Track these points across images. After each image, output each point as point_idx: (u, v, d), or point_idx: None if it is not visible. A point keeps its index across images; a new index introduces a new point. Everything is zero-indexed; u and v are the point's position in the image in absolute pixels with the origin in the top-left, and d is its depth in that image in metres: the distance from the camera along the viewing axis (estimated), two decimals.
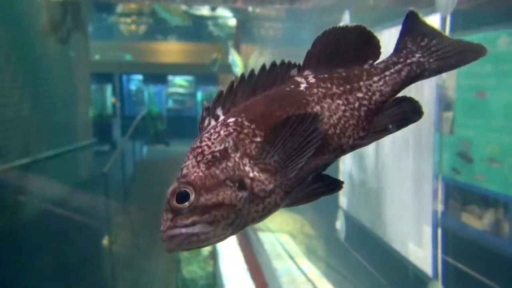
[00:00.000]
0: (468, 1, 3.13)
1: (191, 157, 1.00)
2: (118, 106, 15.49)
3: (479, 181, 3.21)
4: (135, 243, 7.70)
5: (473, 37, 2.98)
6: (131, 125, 10.66)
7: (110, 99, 15.40)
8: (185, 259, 6.59)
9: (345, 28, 1.12)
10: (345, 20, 4.63)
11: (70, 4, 8.70)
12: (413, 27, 1.15)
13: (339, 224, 5.52)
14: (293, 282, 5.88)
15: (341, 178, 4.84)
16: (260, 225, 7.53)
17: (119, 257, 7.40)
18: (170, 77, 18.12)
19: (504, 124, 3.01)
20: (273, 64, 1.10)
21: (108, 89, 15.42)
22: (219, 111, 1.06)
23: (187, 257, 6.56)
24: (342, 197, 5.54)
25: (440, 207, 3.38)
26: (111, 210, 7.59)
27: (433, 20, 3.05)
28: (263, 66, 1.08)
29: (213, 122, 1.06)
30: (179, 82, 18.30)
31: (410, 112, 1.09)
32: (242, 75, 1.08)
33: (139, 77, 18.09)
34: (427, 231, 3.42)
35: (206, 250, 6.48)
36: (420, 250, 3.56)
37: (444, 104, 3.40)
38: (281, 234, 7.69)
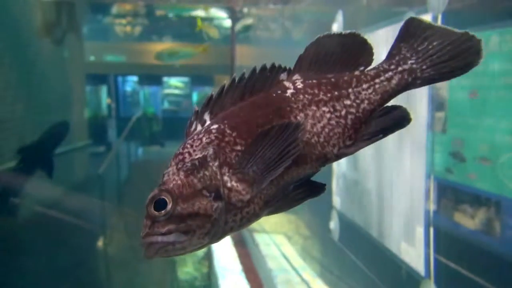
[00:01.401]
0: (460, 1, 3.14)
1: (173, 163, 1.01)
2: (113, 107, 15.45)
3: (472, 181, 3.22)
4: (130, 245, 7.68)
5: None
6: (126, 126, 10.64)
7: (105, 100, 15.35)
8: (180, 260, 6.60)
9: (339, 34, 1.10)
10: (339, 20, 4.64)
11: (65, 5, 8.68)
12: (412, 33, 1.10)
13: (333, 224, 5.53)
14: (288, 283, 5.87)
15: (334, 178, 4.82)
16: (255, 226, 7.53)
17: (114, 258, 7.38)
18: (165, 78, 18.11)
19: (495, 123, 3.03)
20: (264, 68, 1.08)
21: (103, 90, 15.38)
22: (206, 116, 1.06)
23: (182, 258, 6.56)
24: (336, 197, 5.55)
25: (432, 207, 3.39)
26: (106, 212, 7.58)
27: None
28: (254, 69, 1.07)
29: (199, 127, 1.05)
30: (175, 83, 18.28)
31: (399, 121, 1.08)
32: (233, 79, 1.07)
33: (135, 78, 18.06)
34: (420, 230, 3.43)
35: (201, 251, 6.48)
36: (412, 249, 3.57)
37: (437, 103, 3.41)
38: (276, 235, 7.69)
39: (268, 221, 7.88)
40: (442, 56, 1.07)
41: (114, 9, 11.60)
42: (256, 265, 5.64)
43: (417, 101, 3.31)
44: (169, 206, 0.95)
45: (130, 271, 7.01)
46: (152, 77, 17.20)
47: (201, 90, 17.85)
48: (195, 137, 1.02)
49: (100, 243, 7.53)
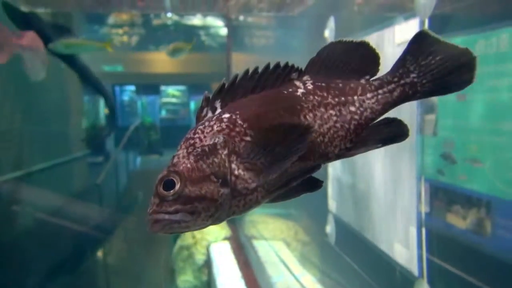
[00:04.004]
0: (446, 6, 3.20)
1: (183, 147, 1.06)
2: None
3: (462, 182, 3.26)
4: (130, 253, 7.68)
5: (451, 41, 3.01)
6: (124, 135, 10.64)
7: (103, 110, 15.34)
8: (180, 269, 6.58)
9: (350, 42, 1.17)
10: (330, 26, 4.69)
11: (62, 16, 8.74)
12: (421, 47, 1.16)
13: (329, 228, 5.54)
14: None
15: (330, 181, 4.83)
16: (254, 233, 7.53)
17: (113, 267, 7.37)
18: (163, 87, 18.14)
19: (483, 125, 3.08)
20: (277, 65, 1.14)
21: (101, 100, 15.36)
22: (217, 104, 1.11)
23: (182, 266, 6.55)
24: (331, 201, 5.57)
25: (424, 208, 3.43)
26: (105, 221, 7.58)
27: (412, 24, 3.13)
28: (267, 65, 1.13)
29: (209, 114, 1.11)
30: (172, 92, 18.33)
31: (397, 133, 1.15)
32: (247, 71, 1.12)
33: (132, 87, 18.07)
34: (413, 231, 3.46)
35: (200, 259, 6.47)
36: (406, 251, 3.60)
37: (426, 107, 3.46)
38: (275, 241, 7.67)
39: (266, 228, 7.88)
40: (442, 72, 1.14)
41: (111, 20, 11.68)
42: (255, 272, 5.64)
43: (406, 104, 3.35)
44: (177, 187, 1.00)
45: (130, 280, 7.00)
46: (149, 86, 17.24)
47: (198, 98, 17.86)
48: (206, 123, 1.07)
49: (99, 251, 7.53)
